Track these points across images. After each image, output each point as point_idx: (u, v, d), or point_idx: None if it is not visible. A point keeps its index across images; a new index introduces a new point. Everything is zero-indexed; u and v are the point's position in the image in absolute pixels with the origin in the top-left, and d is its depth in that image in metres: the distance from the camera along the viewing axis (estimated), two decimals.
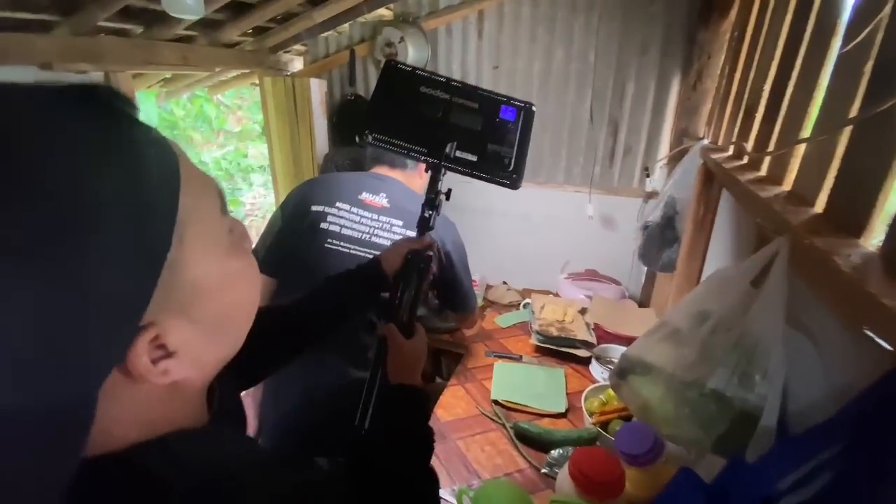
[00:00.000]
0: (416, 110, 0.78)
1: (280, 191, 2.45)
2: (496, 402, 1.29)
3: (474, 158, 0.78)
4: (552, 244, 2.05)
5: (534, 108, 0.83)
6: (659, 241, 1.45)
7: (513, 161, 0.78)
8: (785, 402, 0.59)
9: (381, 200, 1.17)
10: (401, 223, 1.16)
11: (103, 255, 0.24)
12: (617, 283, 1.88)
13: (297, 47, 2.37)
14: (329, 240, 1.11)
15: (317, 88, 1.98)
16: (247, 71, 2.29)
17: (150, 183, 0.27)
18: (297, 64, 2.45)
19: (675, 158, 1.71)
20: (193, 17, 1.07)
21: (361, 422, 0.63)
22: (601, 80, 1.84)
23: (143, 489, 0.29)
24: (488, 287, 2.10)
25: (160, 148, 0.30)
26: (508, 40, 1.90)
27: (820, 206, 0.65)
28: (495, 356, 1.47)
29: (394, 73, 0.80)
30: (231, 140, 5.77)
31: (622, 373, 0.80)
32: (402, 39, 1.87)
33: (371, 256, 1.08)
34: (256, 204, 4.94)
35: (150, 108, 4.67)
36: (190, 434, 0.34)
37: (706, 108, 1.64)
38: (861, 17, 0.60)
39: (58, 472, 0.25)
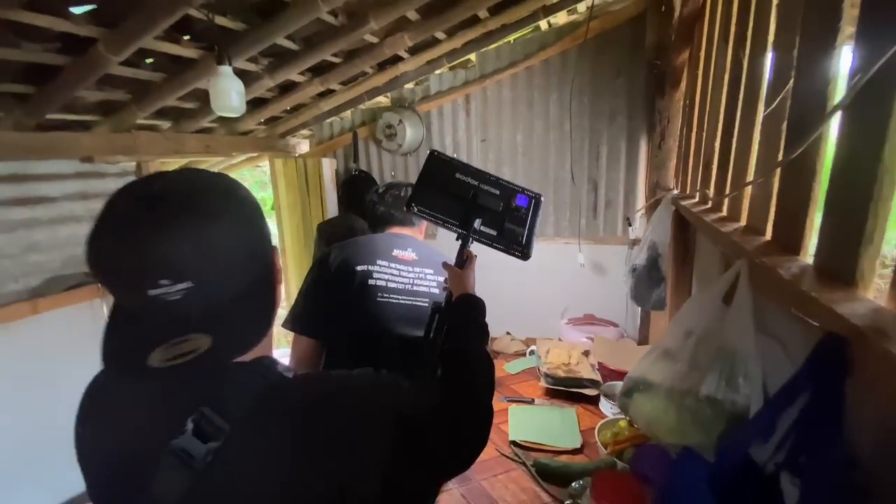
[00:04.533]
0: (451, 191, 0.97)
1: (288, 262, 2.59)
2: (514, 444, 1.34)
3: (494, 233, 0.96)
4: (550, 293, 2.18)
5: (542, 199, 1.03)
6: (647, 281, 1.59)
7: (524, 238, 0.98)
8: (767, 396, 0.70)
9: (411, 254, 1.30)
10: (431, 271, 1.29)
11: None
12: (615, 325, 1.99)
13: (304, 131, 2.64)
14: (379, 293, 1.22)
15: (328, 166, 2.19)
16: (255, 154, 2.52)
17: None
18: (304, 146, 2.71)
19: (651, 208, 1.90)
20: (235, 115, 1.27)
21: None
22: (577, 145, 2.09)
23: None
24: (493, 339, 2.19)
25: None
26: (493, 117, 2.17)
27: (768, 234, 0.80)
28: (508, 401, 1.54)
29: (436, 161, 1.01)
30: None
31: (628, 392, 0.89)
32: (400, 122, 2.11)
33: (416, 303, 1.20)
34: None
35: None
36: None
37: (672, 163, 1.87)
38: (775, 88, 0.80)
39: None
